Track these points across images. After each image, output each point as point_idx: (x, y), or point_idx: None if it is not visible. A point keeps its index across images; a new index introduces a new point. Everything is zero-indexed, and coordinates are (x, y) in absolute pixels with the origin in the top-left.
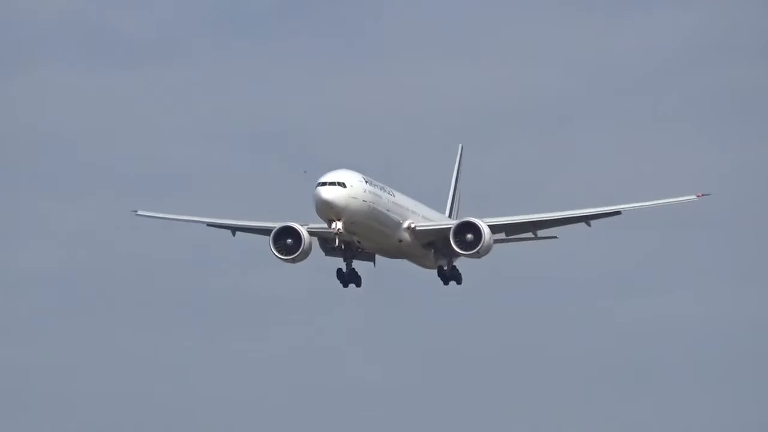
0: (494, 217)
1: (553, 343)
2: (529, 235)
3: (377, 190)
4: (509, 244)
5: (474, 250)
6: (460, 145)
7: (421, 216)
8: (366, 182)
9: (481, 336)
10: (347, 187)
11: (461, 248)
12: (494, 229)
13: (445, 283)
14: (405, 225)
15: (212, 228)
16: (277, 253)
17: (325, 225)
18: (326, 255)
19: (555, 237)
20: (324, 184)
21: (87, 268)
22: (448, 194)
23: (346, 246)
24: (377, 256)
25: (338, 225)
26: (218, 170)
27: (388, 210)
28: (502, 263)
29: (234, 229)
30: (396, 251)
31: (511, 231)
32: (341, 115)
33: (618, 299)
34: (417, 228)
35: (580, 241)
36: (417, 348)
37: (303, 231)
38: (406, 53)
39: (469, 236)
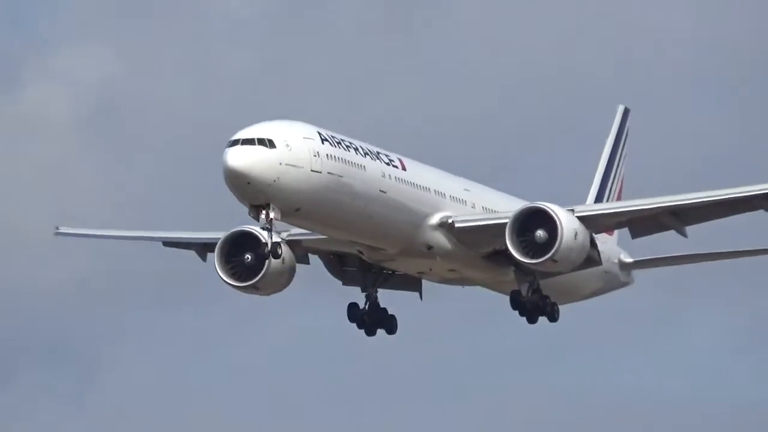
0: None
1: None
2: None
3: (350, 156)
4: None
5: (546, 257)
6: (620, 107)
7: (479, 206)
8: (324, 141)
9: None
10: (277, 146)
11: (524, 254)
12: (591, 222)
13: (530, 320)
14: (434, 220)
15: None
16: (226, 278)
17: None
18: (344, 284)
19: None
20: (236, 143)
21: None
22: (593, 180)
23: (362, 265)
24: (425, 283)
25: (270, 215)
26: None
27: (383, 191)
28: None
29: (200, 249)
30: (443, 271)
31: (637, 228)
32: None
33: None
34: (458, 225)
35: None
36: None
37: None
38: None
39: (540, 233)
